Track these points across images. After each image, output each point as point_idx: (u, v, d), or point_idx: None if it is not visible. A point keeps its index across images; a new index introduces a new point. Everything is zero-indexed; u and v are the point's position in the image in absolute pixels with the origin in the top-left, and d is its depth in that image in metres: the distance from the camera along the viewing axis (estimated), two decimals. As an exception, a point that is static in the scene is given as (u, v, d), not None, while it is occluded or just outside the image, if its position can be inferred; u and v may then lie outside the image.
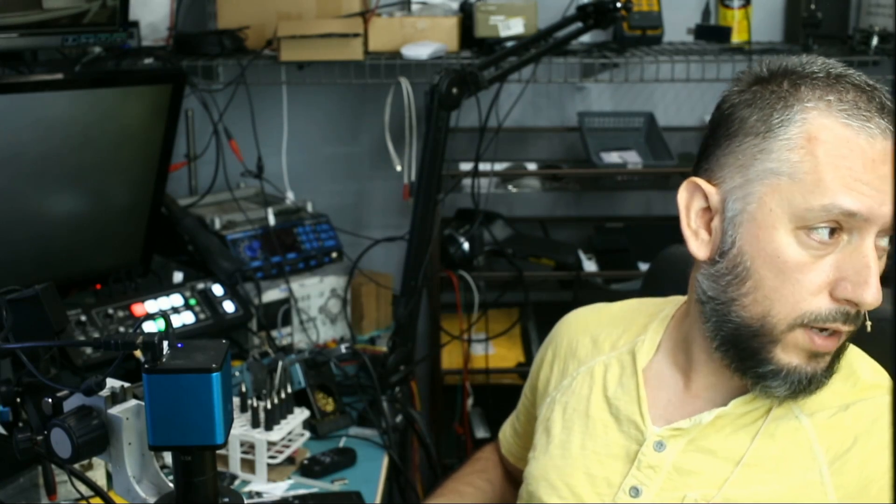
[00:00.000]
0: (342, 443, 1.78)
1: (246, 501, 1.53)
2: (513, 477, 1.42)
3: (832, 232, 0.97)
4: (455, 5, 2.40)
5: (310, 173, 2.60)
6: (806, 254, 0.97)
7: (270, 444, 1.64)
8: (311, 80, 2.40)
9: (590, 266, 2.42)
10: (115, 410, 0.93)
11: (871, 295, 0.96)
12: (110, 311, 1.83)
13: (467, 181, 2.31)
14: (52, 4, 1.87)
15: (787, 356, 1.00)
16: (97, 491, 1.07)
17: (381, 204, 2.68)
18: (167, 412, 0.87)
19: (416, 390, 2.12)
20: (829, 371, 1.02)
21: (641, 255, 2.42)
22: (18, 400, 1.07)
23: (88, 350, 1.71)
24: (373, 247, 2.23)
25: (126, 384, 0.96)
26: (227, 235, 2.13)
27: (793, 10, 2.51)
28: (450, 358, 2.48)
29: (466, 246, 2.34)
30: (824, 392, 1.03)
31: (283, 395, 1.67)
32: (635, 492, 1.08)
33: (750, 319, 1.01)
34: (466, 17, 2.31)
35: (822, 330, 0.99)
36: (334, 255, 2.27)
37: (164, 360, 0.87)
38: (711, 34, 2.38)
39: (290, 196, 2.39)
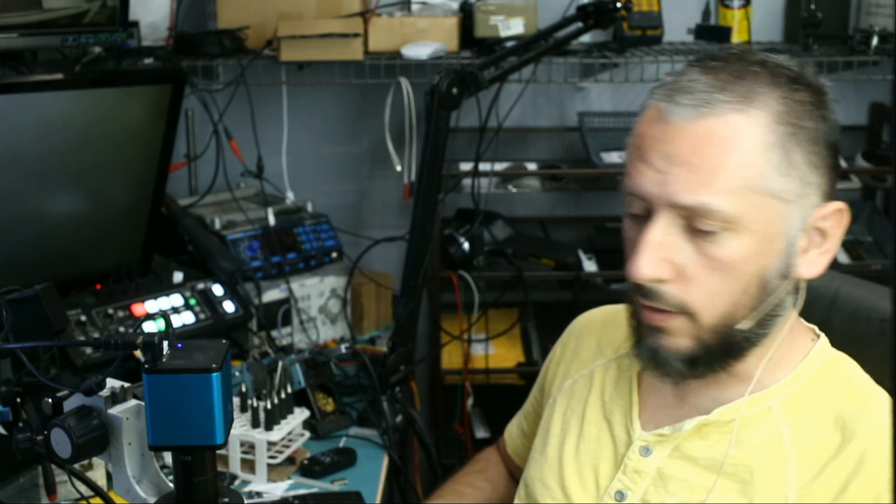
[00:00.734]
0: (342, 443, 1.78)
1: (246, 501, 1.53)
2: (515, 477, 1.41)
3: (647, 212, 1.00)
4: (455, 5, 2.40)
5: (310, 173, 2.60)
6: (632, 234, 1.03)
7: (270, 444, 1.64)
8: (311, 80, 2.40)
9: (590, 266, 2.42)
10: (115, 410, 0.93)
11: (635, 268, 0.99)
12: (110, 311, 1.83)
13: (467, 181, 2.31)
14: (52, 4, 1.87)
15: (645, 330, 1.05)
16: (97, 491, 1.07)
17: (381, 204, 2.68)
18: (167, 412, 0.87)
19: (416, 390, 2.11)
20: (692, 361, 1.01)
21: (641, 255, 2.42)
22: (18, 400, 1.07)
23: (88, 350, 1.71)
24: (373, 247, 2.23)
25: (126, 384, 0.96)
26: (227, 235, 2.13)
27: (793, 10, 2.50)
28: (450, 358, 2.48)
29: (466, 246, 2.34)
30: (816, 401, 1.03)
31: (283, 395, 1.67)
32: (620, 496, 1.08)
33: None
34: (466, 17, 2.31)
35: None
36: (334, 255, 2.27)
37: (164, 360, 0.87)
38: (711, 34, 2.38)
39: (290, 196, 2.39)
